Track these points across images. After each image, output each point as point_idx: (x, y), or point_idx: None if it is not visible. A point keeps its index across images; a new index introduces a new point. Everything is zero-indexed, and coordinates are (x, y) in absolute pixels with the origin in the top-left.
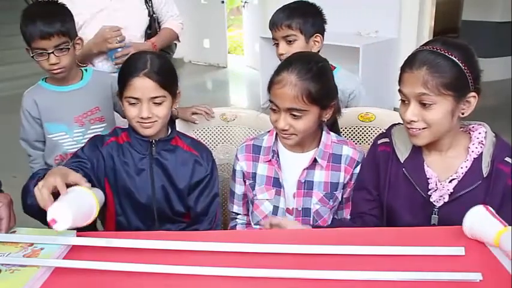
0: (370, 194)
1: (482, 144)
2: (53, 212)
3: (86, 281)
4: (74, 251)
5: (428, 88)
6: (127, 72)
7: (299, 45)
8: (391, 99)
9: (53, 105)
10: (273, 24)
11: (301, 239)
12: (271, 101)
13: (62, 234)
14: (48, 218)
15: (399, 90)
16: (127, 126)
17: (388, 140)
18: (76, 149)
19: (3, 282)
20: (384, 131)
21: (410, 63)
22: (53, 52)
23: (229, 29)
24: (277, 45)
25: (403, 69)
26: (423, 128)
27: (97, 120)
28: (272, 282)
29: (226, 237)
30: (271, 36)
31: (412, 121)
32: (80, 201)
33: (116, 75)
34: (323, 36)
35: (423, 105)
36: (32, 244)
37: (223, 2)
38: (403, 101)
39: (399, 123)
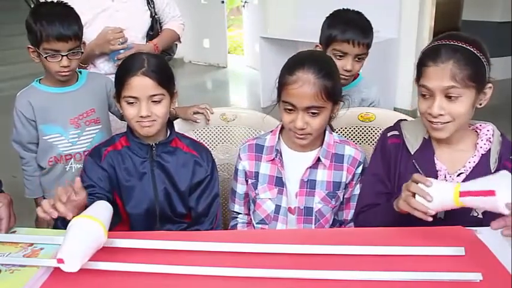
0: (386, 187)
1: (490, 141)
2: (63, 253)
3: (86, 281)
4: None
5: (456, 81)
6: (124, 72)
7: (362, 64)
8: (391, 99)
9: (48, 106)
10: (348, 40)
11: (301, 239)
12: (285, 102)
13: (62, 234)
14: (57, 256)
15: (421, 85)
16: (124, 130)
17: (398, 133)
18: (71, 151)
19: (3, 282)
20: (391, 126)
21: (433, 57)
22: (66, 55)
23: (229, 29)
24: (339, 57)
25: (424, 63)
26: (448, 122)
27: (92, 121)
28: (272, 282)
29: (227, 237)
30: (270, 36)
31: (439, 115)
32: (90, 238)
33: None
34: None
35: (449, 98)
36: (32, 244)
37: (223, 2)
38: (423, 95)
39: (405, 119)
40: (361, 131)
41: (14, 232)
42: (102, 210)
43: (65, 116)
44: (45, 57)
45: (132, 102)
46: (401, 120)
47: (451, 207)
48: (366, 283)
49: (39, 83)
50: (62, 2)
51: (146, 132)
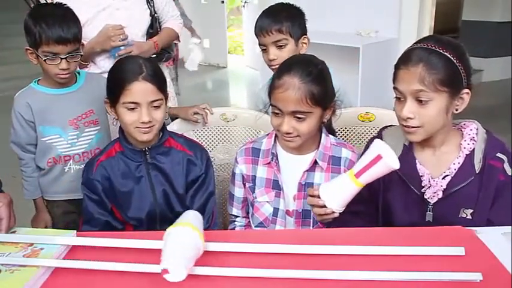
0: (360, 196)
1: (474, 140)
2: (169, 263)
3: (86, 281)
4: (74, 251)
5: (425, 85)
6: (122, 77)
7: (290, 49)
8: (391, 100)
9: (47, 108)
10: (261, 30)
11: (301, 239)
12: (273, 105)
13: (62, 234)
14: (162, 267)
15: (394, 88)
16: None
17: None
18: (70, 152)
19: (3, 282)
20: (375, 135)
21: (405, 61)
22: (66, 58)
23: (229, 29)
24: (264, 51)
25: (397, 66)
26: (418, 127)
27: (91, 123)
28: (272, 282)
29: (226, 237)
30: None
31: (408, 118)
32: (191, 247)
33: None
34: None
35: (419, 102)
36: (32, 244)
37: (223, 2)
38: (398, 99)
39: (390, 125)
40: (361, 131)
41: (14, 232)
42: (197, 219)
43: (64, 117)
44: (44, 60)
45: (132, 108)
46: (385, 127)
47: (356, 192)
48: (366, 283)
49: (38, 84)
50: (61, 3)
51: (146, 138)
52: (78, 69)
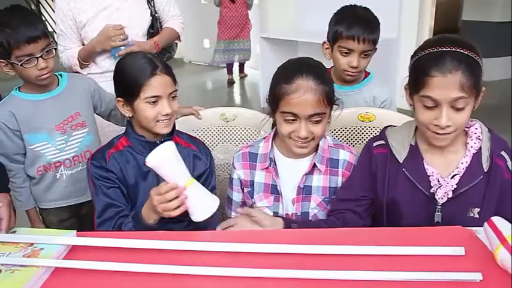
0: (354, 194)
1: (479, 139)
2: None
3: (86, 281)
4: (74, 251)
5: (465, 91)
6: (140, 73)
7: (369, 60)
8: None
9: (31, 115)
10: (353, 36)
11: (300, 239)
12: (285, 112)
13: (62, 234)
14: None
15: (424, 96)
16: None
17: (384, 142)
18: (60, 158)
19: (3, 282)
20: (377, 135)
21: (438, 67)
22: (41, 56)
23: None
24: (345, 54)
25: (428, 73)
26: (452, 132)
27: (78, 126)
28: (272, 282)
29: (226, 237)
30: (271, 36)
31: (447, 126)
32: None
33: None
34: None
35: (455, 108)
36: (32, 244)
37: None
38: (425, 106)
39: (391, 125)
40: (361, 131)
41: (14, 232)
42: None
43: (50, 122)
44: (21, 65)
45: (154, 102)
46: (387, 127)
47: (194, 193)
48: (366, 283)
49: (19, 91)
50: (16, 5)
51: (166, 131)
52: (82, 69)
